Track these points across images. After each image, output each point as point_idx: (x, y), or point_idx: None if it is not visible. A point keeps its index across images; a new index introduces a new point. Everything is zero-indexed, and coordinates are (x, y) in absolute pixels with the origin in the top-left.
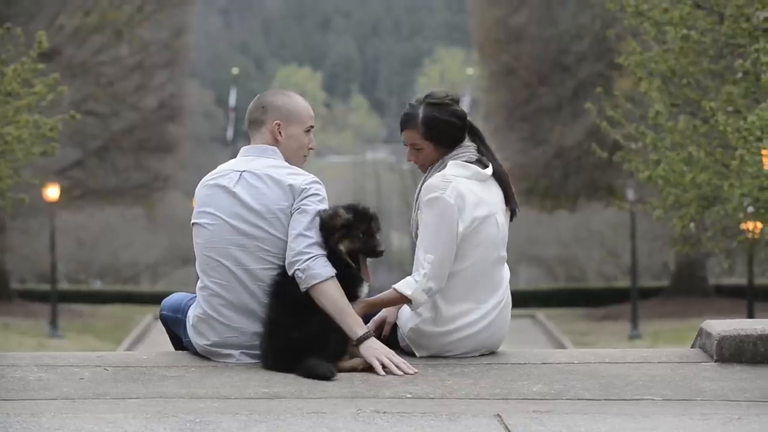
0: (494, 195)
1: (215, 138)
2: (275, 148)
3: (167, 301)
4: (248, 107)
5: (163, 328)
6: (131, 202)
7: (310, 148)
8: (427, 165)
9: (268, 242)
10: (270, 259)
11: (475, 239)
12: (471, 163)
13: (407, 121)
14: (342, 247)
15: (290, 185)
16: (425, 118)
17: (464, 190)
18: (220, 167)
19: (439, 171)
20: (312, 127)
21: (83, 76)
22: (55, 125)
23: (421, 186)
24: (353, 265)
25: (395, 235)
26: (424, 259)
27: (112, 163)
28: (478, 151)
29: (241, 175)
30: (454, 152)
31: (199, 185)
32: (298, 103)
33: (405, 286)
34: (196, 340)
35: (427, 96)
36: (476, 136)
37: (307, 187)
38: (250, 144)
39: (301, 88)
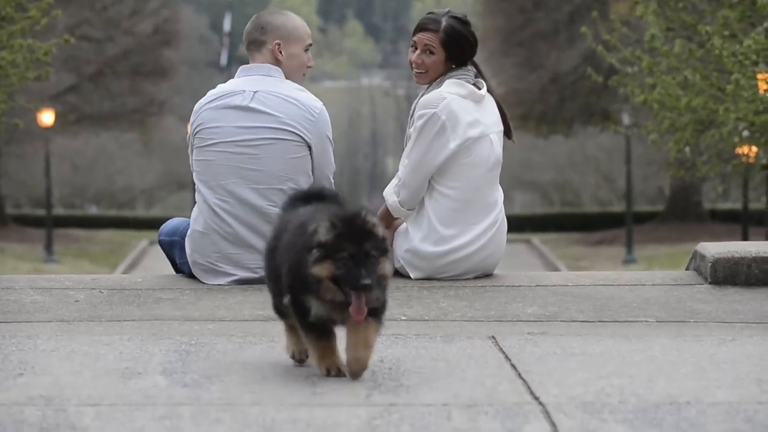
0: (490, 115)
1: (210, 63)
2: (278, 68)
3: (165, 226)
4: (246, 28)
5: (162, 254)
6: (126, 127)
7: (309, 66)
8: (430, 73)
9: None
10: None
11: (466, 158)
12: (468, 83)
13: (429, 23)
14: (317, 270)
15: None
16: (449, 26)
17: (457, 109)
18: (225, 87)
19: (437, 89)
20: (311, 45)
21: (77, 0)
22: (49, 50)
23: (416, 103)
24: (332, 291)
25: (390, 160)
26: (401, 164)
27: (106, 88)
28: (476, 75)
29: (254, 94)
30: (454, 72)
31: (201, 106)
32: (296, 21)
33: (385, 192)
34: (195, 258)
35: (449, 10)
36: (473, 63)
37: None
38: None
39: (296, 12)
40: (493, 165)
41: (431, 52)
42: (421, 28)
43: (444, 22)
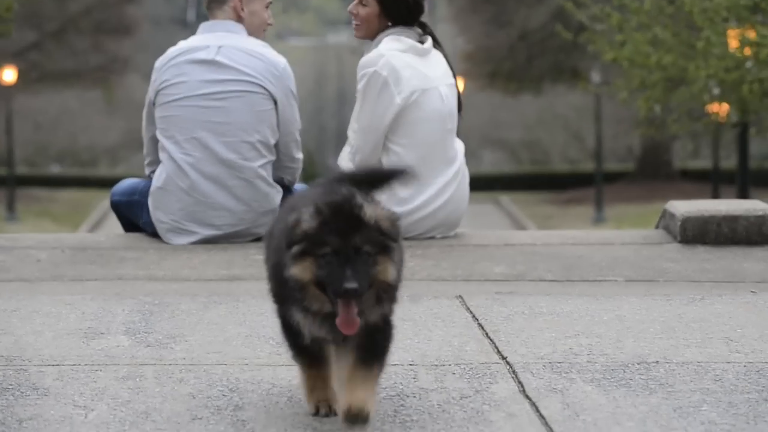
0: (436, 68)
1: (174, 20)
2: (241, 24)
3: (119, 186)
4: None
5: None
6: (89, 84)
7: (269, 24)
8: (365, 27)
9: (244, 103)
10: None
11: (418, 112)
12: (408, 38)
13: None
14: (296, 272)
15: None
16: None
17: (398, 64)
18: (187, 43)
19: (376, 48)
20: (270, 2)
21: None
22: (10, 5)
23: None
24: (320, 299)
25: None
26: (350, 129)
27: (69, 45)
28: (422, 34)
29: (219, 49)
30: (393, 29)
31: (164, 63)
32: None
33: (339, 159)
34: (158, 215)
35: None
36: (422, 25)
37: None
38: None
39: None
40: (447, 118)
41: (364, 4)
42: None
43: None
